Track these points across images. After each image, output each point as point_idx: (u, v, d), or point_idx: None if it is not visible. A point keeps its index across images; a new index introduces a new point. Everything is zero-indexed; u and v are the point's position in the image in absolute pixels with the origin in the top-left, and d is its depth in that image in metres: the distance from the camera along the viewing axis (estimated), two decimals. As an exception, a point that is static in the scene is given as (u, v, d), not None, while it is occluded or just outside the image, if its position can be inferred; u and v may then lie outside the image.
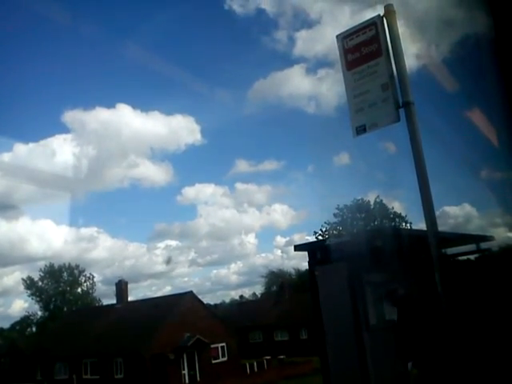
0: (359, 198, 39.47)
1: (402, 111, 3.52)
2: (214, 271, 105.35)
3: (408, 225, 36.95)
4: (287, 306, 41.90)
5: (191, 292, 33.10)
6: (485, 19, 1.90)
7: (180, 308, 30.43)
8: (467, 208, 44.52)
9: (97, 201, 70.76)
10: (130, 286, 37.22)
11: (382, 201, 38.85)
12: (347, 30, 3.88)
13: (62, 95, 69.24)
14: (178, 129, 66.02)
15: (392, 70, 3.62)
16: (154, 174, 72.33)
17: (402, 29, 3.67)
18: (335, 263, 6.34)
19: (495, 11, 1.76)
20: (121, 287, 36.25)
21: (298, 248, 7.34)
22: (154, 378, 27.08)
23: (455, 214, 45.75)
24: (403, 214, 39.78)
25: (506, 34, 1.69)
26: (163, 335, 28.38)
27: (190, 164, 76.29)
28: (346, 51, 3.91)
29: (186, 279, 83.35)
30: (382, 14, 3.65)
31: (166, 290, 76.05)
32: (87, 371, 30.05)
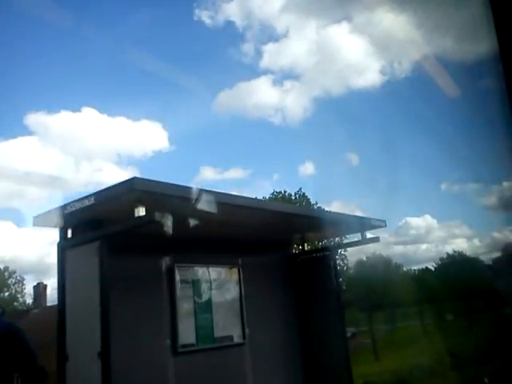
0: (279, 190, 36.62)
1: None
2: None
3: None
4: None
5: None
6: (487, 30, 1.56)
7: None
8: (428, 219, 43.94)
9: (60, 204, 66.02)
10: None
11: (304, 194, 36.09)
12: None
13: (24, 97, 64.79)
14: (145, 135, 62.77)
15: None
16: (120, 179, 67.84)
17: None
18: (89, 244, 3.88)
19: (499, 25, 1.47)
20: (39, 290, 32.87)
21: (38, 222, 4.56)
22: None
23: (417, 224, 45.11)
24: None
25: (507, 40, 1.46)
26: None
27: (157, 170, 72.99)
28: None
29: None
30: None
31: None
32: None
